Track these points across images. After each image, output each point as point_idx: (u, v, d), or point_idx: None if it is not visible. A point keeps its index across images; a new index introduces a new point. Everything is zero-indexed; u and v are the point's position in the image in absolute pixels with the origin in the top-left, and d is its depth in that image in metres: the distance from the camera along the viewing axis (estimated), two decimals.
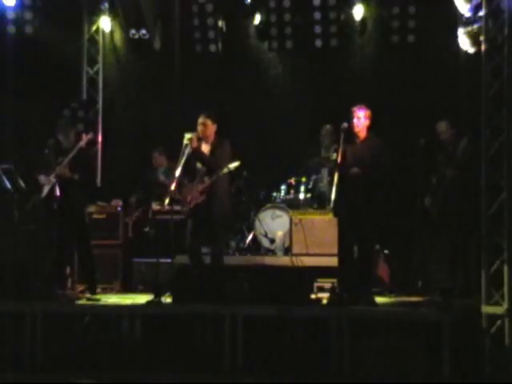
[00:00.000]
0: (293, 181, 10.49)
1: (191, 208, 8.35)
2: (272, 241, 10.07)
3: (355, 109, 8.22)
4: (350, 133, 8.22)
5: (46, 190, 8.52)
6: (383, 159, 8.07)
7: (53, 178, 8.46)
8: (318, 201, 10.13)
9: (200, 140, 8.32)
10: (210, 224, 8.28)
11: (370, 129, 8.25)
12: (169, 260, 8.66)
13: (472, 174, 8.12)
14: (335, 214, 8.34)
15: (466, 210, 8.51)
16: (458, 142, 8.76)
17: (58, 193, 8.40)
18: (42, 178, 8.58)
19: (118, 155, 11.06)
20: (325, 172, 10.00)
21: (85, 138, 8.72)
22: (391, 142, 8.56)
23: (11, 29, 10.70)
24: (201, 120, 8.39)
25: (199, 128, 8.36)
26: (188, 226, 8.43)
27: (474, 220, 7.90)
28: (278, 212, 10.23)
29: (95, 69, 11.20)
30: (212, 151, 8.37)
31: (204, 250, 8.60)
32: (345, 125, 8.21)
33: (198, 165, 8.41)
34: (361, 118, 8.19)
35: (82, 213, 8.90)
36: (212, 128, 8.41)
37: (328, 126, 10.20)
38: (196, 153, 8.28)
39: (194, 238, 8.34)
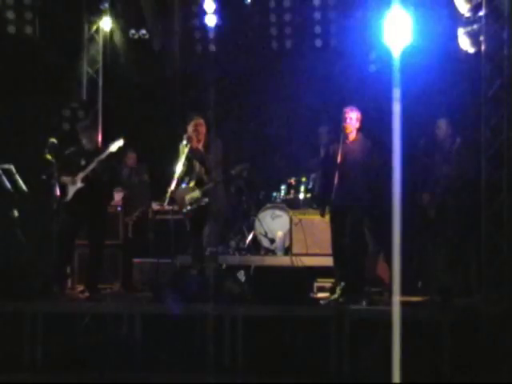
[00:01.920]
0: (293, 181, 10.49)
1: (192, 209, 8.37)
2: (272, 241, 10.06)
3: (347, 110, 8.31)
4: (343, 133, 8.30)
5: (71, 192, 8.48)
6: (372, 160, 8.18)
7: (79, 182, 8.45)
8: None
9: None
10: (210, 224, 8.31)
11: (359, 130, 8.34)
12: (169, 260, 8.67)
13: (467, 173, 8.12)
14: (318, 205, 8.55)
15: (465, 209, 8.51)
16: (454, 141, 8.77)
17: (58, 193, 8.41)
18: (64, 179, 8.53)
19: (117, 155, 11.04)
20: None
21: (116, 143, 8.63)
22: (390, 142, 8.49)
23: (11, 29, 10.71)
24: (195, 122, 8.39)
25: (196, 129, 8.36)
26: (188, 227, 8.45)
27: (473, 219, 7.90)
28: (278, 212, 10.23)
29: (95, 69, 11.19)
30: (206, 151, 8.38)
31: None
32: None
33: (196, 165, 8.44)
34: (352, 119, 8.29)
35: (105, 213, 8.88)
36: (205, 129, 8.43)
37: (326, 126, 10.21)
38: (196, 153, 8.29)
39: (196, 238, 8.35)
